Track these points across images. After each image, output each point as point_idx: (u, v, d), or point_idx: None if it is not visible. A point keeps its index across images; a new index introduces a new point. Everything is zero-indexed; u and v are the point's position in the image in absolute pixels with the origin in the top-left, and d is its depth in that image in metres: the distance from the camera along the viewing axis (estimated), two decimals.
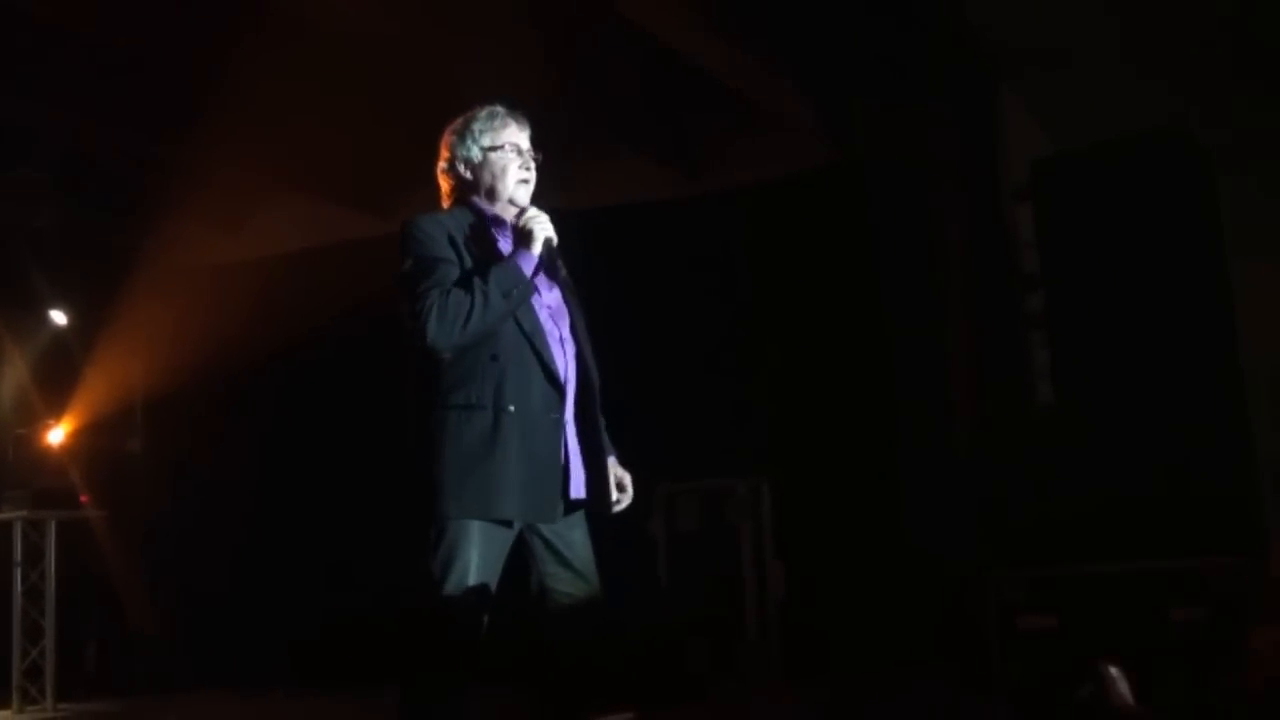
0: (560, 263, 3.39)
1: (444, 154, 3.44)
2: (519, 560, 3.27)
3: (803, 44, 6.72)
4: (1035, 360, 6.74)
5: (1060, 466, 5.86)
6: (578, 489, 3.32)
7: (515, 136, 3.40)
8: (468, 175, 3.40)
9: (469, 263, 3.23)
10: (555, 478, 3.24)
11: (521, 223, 3.30)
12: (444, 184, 3.46)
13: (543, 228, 3.28)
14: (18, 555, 7.36)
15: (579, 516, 3.36)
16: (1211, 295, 6.01)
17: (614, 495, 3.40)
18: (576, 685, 3.25)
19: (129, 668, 8.03)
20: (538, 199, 3.41)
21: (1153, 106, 6.54)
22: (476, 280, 3.17)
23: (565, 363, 3.33)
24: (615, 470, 3.44)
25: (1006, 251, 7.01)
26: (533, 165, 3.42)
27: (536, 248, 3.27)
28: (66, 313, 8.24)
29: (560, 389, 3.27)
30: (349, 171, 8.11)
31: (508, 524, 3.19)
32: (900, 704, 5.70)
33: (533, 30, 6.32)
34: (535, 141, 3.46)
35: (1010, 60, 6.98)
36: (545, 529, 3.26)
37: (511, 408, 3.18)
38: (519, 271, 3.22)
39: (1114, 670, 2.87)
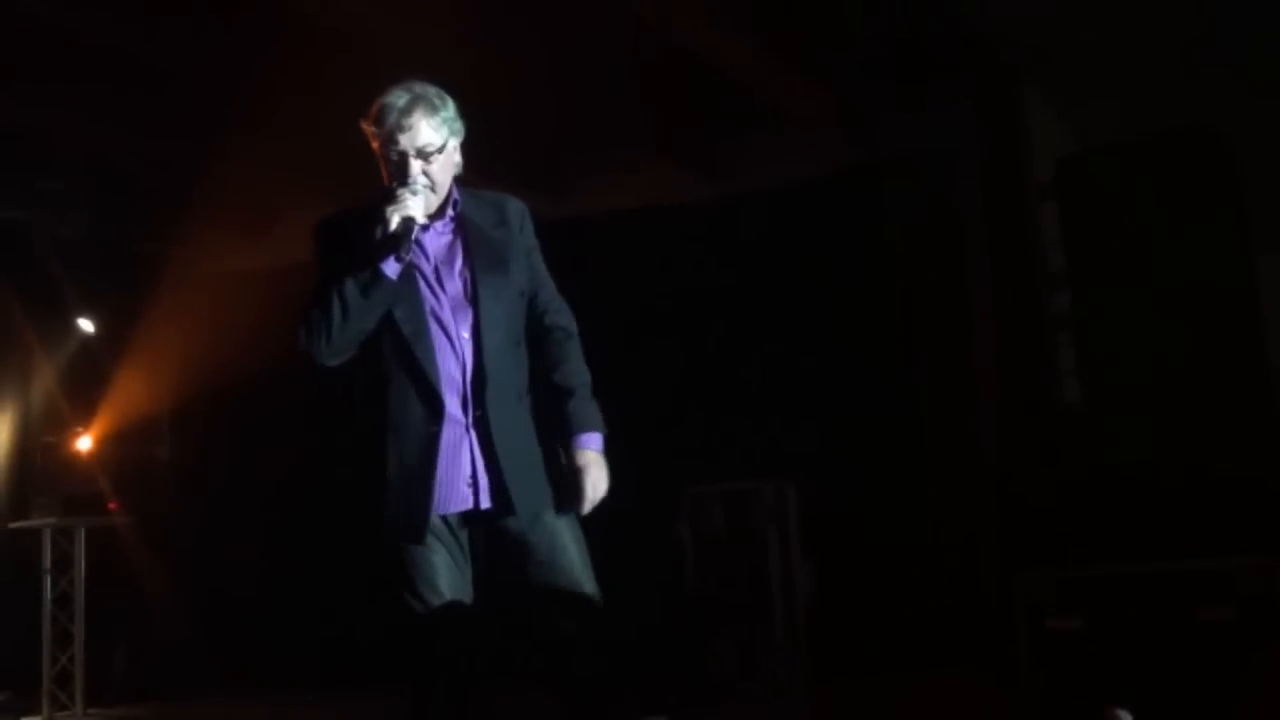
0: (460, 212, 3.14)
1: None
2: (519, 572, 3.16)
3: (822, 44, 6.70)
4: (1062, 359, 6.70)
5: (1088, 466, 5.82)
6: (485, 499, 3.06)
7: (396, 138, 3.12)
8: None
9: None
10: (424, 494, 3.02)
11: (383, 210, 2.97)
12: None
13: (397, 209, 2.98)
14: (47, 562, 7.44)
15: (560, 534, 3.11)
16: (1238, 292, 5.96)
17: (582, 489, 3.05)
18: (603, 690, 3.18)
19: (158, 673, 8.06)
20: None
21: (1178, 103, 6.49)
22: (339, 284, 2.98)
23: (460, 364, 3.07)
24: (580, 457, 3.09)
25: (1032, 250, 6.96)
26: (416, 165, 3.10)
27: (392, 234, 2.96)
28: (94, 321, 8.29)
29: (438, 401, 3.03)
30: (372, 178, 8.11)
31: (446, 533, 3.08)
32: (928, 706, 5.68)
33: (551, 36, 6.33)
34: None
35: (1035, 58, 6.94)
36: (509, 547, 3.09)
37: (396, 425, 3.06)
38: (376, 270, 2.97)
39: (1122, 713, 2.86)
